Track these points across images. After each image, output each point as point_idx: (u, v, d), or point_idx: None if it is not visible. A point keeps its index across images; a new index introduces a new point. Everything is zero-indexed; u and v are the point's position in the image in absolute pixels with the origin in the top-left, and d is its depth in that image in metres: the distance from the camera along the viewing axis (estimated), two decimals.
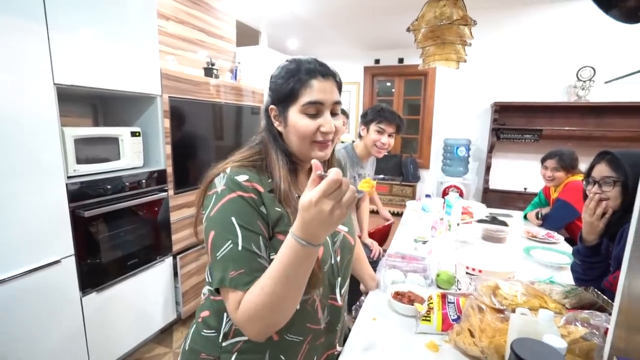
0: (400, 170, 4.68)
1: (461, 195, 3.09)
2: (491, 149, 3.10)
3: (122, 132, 1.88)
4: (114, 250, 1.81)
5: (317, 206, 0.53)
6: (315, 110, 0.70)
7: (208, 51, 2.67)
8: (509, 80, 3.06)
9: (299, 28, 4.18)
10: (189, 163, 2.26)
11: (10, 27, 1.30)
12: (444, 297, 1.00)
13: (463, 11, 1.49)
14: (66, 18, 1.50)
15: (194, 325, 0.81)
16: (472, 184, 3.21)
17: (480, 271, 1.08)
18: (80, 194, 1.61)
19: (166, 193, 2.07)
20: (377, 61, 5.38)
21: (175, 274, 2.20)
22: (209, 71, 2.48)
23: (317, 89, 0.70)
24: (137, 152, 1.96)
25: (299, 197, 0.71)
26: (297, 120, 0.71)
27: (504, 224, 2.09)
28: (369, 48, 5.30)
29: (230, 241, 0.64)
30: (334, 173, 0.52)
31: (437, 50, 2.16)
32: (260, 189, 0.69)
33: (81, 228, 1.62)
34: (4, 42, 1.29)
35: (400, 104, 5.41)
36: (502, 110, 3.05)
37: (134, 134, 1.93)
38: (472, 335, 0.87)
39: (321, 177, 0.54)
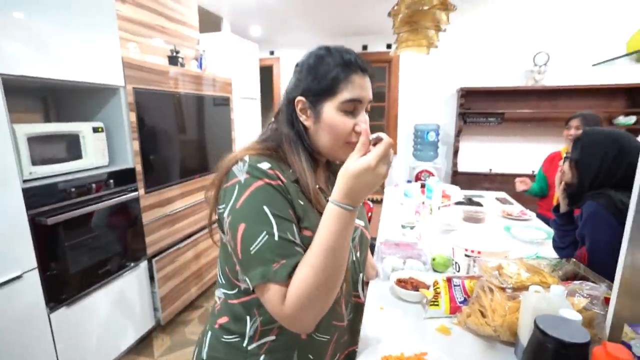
0: None
1: None
2: (458, 133, 3.22)
3: (82, 128, 1.70)
4: (82, 259, 1.65)
5: (375, 170, 0.56)
6: (353, 107, 0.66)
7: (170, 38, 2.48)
8: (473, 66, 3.18)
9: (262, 14, 4.02)
10: (159, 159, 2.10)
11: None
12: (449, 280, 1.02)
13: None
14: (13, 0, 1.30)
15: (210, 333, 0.74)
16: (442, 168, 3.32)
17: (479, 252, 1.11)
18: (39, 200, 1.43)
19: (136, 193, 1.91)
20: None
21: (152, 278, 2.06)
22: (173, 60, 2.31)
23: (358, 85, 0.65)
24: (101, 149, 1.78)
25: (320, 189, 0.71)
26: (334, 117, 0.65)
27: (479, 204, 2.19)
28: (333, 35, 5.25)
29: (265, 232, 0.58)
30: (386, 136, 0.56)
31: (410, 36, 2.17)
32: (283, 178, 0.63)
33: (43, 237, 1.45)
34: None
35: None
36: (468, 95, 3.17)
37: (96, 130, 1.76)
38: (483, 315, 0.89)
39: (376, 142, 0.57)
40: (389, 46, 5.25)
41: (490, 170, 3.32)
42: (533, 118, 3.14)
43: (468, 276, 1.02)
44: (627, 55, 0.94)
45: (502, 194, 2.44)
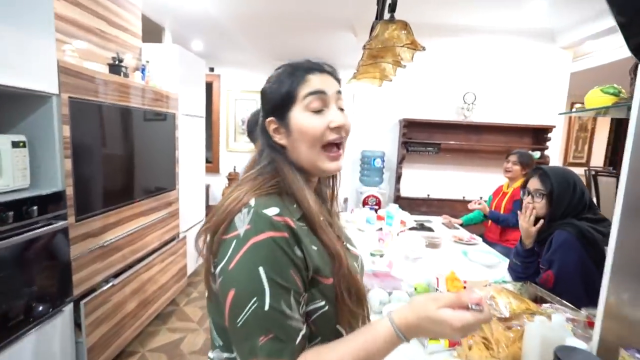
0: None
1: (379, 203, 3.32)
2: (401, 161, 3.43)
3: None
4: None
5: (453, 332, 0.52)
6: (320, 103, 0.62)
7: (109, 44, 2.20)
8: (414, 99, 3.47)
9: (207, 29, 3.86)
10: (94, 181, 1.80)
11: None
12: None
13: (412, 36, 1.61)
14: None
15: None
16: (387, 193, 3.49)
17: (465, 282, 1.15)
18: None
19: (65, 221, 1.58)
20: None
21: (78, 325, 1.70)
22: (115, 68, 2.04)
23: (316, 81, 0.62)
24: (21, 168, 1.45)
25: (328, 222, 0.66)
26: (302, 120, 0.61)
27: (431, 229, 2.32)
28: (276, 58, 5.28)
29: (255, 300, 0.52)
30: (487, 313, 0.52)
31: (369, 69, 2.29)
32: (292, 224, 0.56)
33: None
34: None
35: None
36: (409, 126, 3.43)
37: (16, 145, 1.43)
38: (487, 347, 0.91)
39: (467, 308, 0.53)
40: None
41: (428, 195, 3.59)
42: (463, 149, 3.52)
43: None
44: (586, 110, 1.10)
45: (446, 218, 2.63)
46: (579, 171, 4.61)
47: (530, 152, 2.69)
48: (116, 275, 1.98)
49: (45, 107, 1.51)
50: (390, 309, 1.12)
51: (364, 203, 3.33)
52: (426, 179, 3.59)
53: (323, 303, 0.58)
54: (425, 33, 3.38)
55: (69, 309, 1.66)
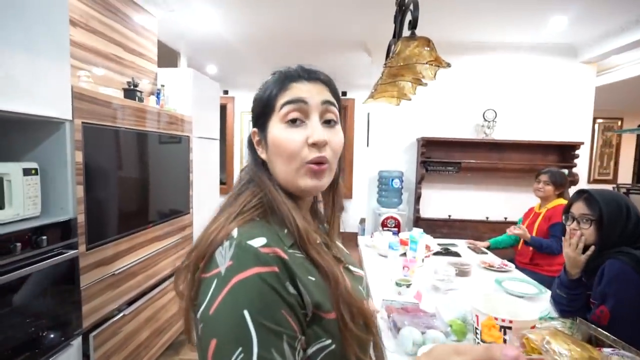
0: None
1: (398, 225, 3.19)
2: (420, 180, 3.31)
3: (9, 170, 1.33)
4: None
5: None
6: (298, 114, 0.54)
7: (126, 69, 2.21)
8: (432, 117, 3.38)
9: (221, 53, 3.92)
10: (107, 208, 1.75)
11: None
12: None
13: (436, 52, 1.54)
14: None
15: None
16: (406, 214, 3.35)
17: (511, 322, 1.02)
18: None
19: (75, 251, 1.52)
20: None
21: (87, 357, 1.61)
22: (130, 93, 2.03)
23: (297, 89, 0.55)
24: (32, 197, 1.41)
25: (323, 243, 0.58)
26: (277, 133, 0.54)
27: (457, 254, 2.17)
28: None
29: (240, 350, 0.42)
30: None
31: (387, 87, 2.22)
32: (283, 254, 0.48)
33: None
34: None
35: None
36: (428, 145, 3.32)
37: (28, 172, 1.39)
38: None
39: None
40: (344, 93, 5.47)
41: (449, 216, 3.44)
42: (484, 168, 3.38)
43: (527, 358, 0.90)
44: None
45: (472, 243, 2.48)
46: (607, 188, 4.42)
47: (559, 170, 2.55)
48: (129, 303, 1.90)
49: (58, 134, 1.48)
50: (425, 350, 1.00)
51: (383, 225, 3.20)
52: (447, 199, 3.45)
53: (330, 342, 0.49)
54: (444, 50, 3.31)
55: (77, 342, 1.57)
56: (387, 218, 3.19)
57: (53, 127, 1.48)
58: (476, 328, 1.10)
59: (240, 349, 0.42)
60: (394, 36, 2.03)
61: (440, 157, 3.33)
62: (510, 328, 1.02)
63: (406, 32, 1.65)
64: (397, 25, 1.95)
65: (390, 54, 1.63)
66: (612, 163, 6.01)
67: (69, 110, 1.48)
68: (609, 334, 1.04)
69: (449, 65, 1.51)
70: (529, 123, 3.36)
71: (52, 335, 1.44)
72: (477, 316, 1.09)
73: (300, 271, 0.49)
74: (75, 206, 1.52)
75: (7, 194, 1.33)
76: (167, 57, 3.43)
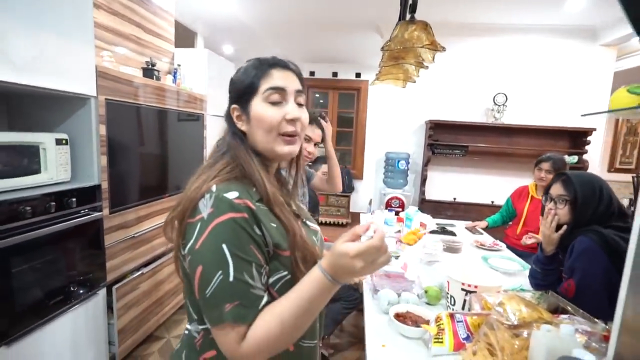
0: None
1: (402, 206, 3.28)
2: (427, 163, 3.36)
3: (44, 140, 1.51)
4: (31, 288, 1.42)
5: (352, 260, 0.55)
6: (278, 97, 0.68)
7: (145, 49, 2.36)
8: (441, 100, 3.39)
9: (237, 33, 4.01)
10: (127, 177, 1.94)
11: None
12: (452, 316, 1.02)
13: (432, 36, 1.59)
14: None
15: None
16: (411, 195, 3.43)
17: (476, 287, 1.13)
18: None
19: (100, 213, 1.72)
20: (312, 73, 5.47)
21: (110, 308, 1.84)
22: (149, 72, 2.18)
23: (277, 77, 0.69)
24: (63, 164, 1.60)
25: (285, 202, 0.72)
26: (261, 110, 0.68)
27: (453, 233, 2.27)
28: (304, 60, 5.36)
29: (220, 273, 0.58)
30: (377, 238, 0.55)
31: (392, 70, 2.28)
32: (252, 205, 0.62)
33: None
34: None
35: (335, 116, 5.58)
36: (436, 128, 3.35)
37: (60, 142, 1.58)
38: (491, 353, 0.90)
39: (358, 237, 0.57)
40: (358, 75, 5.47)
41: (455, 199, 3.49)
42: (492, 152, 3.39)
43: (472, 313, 1.03)
44: (610, 111, 1.04)
45: (469, 223, 2.56)
46: (627, 178, 4.29)
47: (565, 156, 2.55)
48: (145, 264, 2.11)
49: (85, 108, 1.66)
50: (398, 310, 1.14)
51: (387, 205, 3.31)
52: (452, 182, 3.50)
53: (285, 273, 0.64)
54: (454, 32, 3.32)
55: (102, 292, 1.80)
56: (391, 198, 3.29)
57: (80, 103, 1.65)
58: (447, 293, 1.23)
59: (220, 271, 0.58)
60: (399, 19, 2.07)
61: (448, 140, 3.36)
62: (475, 292, 1.13)
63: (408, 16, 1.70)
64: (402, 8, 1.99)
65: (389, 38, 1.69)
66: (635, 152, 5.80)
67: (93, 87, 1.65)
68: (572, 304, 1.13)
69: (443, 49, 1.57)
70: (541, 108, 3.32)
71: (81, 285, 1.67)
72: (448, 282, 1.21)
73: (264, 219, 0.64)
74: (99, 174, 1.71)
75: (43, 161, 1.52)
76: (185, 37, 3.56)
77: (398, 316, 1.12)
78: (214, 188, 0.62)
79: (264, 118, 0.67)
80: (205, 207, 0.60)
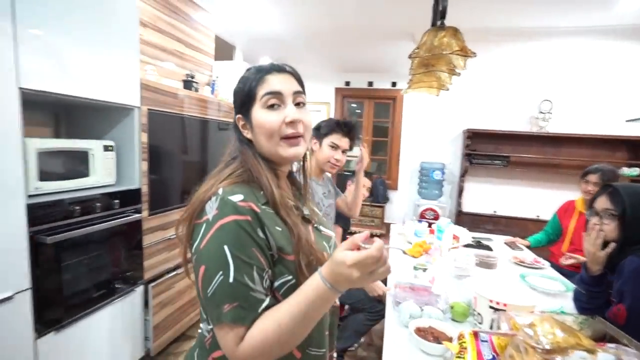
0: (370, 191, 4.74)
1: (437, 217, 3.16)
2: (464, 173, 3.23)
3: (93, 146, 1.66)
4: (77, 281, 1.55)
5: (349, 269, 0.54)
6: (276, 100, 0.69)
7: (186, 63, 2.51)
8: (479, 108, 3.25)
9: (273, 46, 4.15)
10: (165, 181, 2.06)
11: None
12: (476, 335, 0.96)
13: (462, 42, 1.54)
14: (38, 15, 1.30)
15: None
16: (447, 207, 3.30)
17: (505, 305, 1.06)
18: (42, 217, 1.37)
19: (140, 214, 1.85)
20: (347, 83, 5.50)
21: (146, 304, 1.95)
22: (188, 84, 2.32)
23: (273, 81, 0.70)
24: (109, 168, 1.74)
25: (294, 206, 0.73)
26: (260, 116, 0.69)
27: (489, 248, 2.14)
28: (340, 70, 5.41)
29: (220, 273, 0.59)
30: (374, 248, 0.54)
31: (424, 77, 2.23)
32: (256, 208, 0.63)
33: (41, 257, 1.37)
34: None
35: (370, 126, 5.54)
36: (474, 137, 3.22)
37: (107, 148, 1.72)
38: None
39: (358, 247, 0.57)
40: (393, 84, 5.40)
41: (495, 212, 3.31)
42: (537, 163, 3.18)
43: (497, 332, 0.96)
44: None
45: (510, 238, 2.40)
46: None
47: (624, 168, 2.32)
48: (178, 267, 2.22)
49: (129, 118, 1.80)
50: (420, 324, 1.09)
51: (421, 216, 3.21)
52: (492, 194, 3.32)
53: (290, 277, 0.65)
54: (495, 38, 3.18)
55: (140, 289, 1.91)
56: (425, 209, 3.19)
57: (125, 112, 1.80)
58: (474, 310, 1.16)
59: (221, 272, 0.59)
60: (432, 25, 2.03)
61: (487, 150, 3.21)
62: (504, 311, 1.05)
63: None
64: (434, 15, 1.95)
65: (417, 45, 1.66)
66: None
67: (137, 98, 1.79)
68: (620, 331, 1.02)
69: (474, 54, 1.51)
70: (591, 115, 3.07)
71: (122, 281, 1.79)
72: (475, 298, 1.14)
73: (269, 222, 0.64)
74: (140, 178, 1.84)
75: (91, 165, 1.66)
76: (224, 50, 3.75)
77: (419, 331, 1.08)
78: (220, 191, 0.64)
79: (264, 124, 0.69)
80: (211, 209, 0.62)
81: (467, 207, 3.31)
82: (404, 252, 1.70)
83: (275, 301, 0.62)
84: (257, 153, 0.72)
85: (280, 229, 0.66)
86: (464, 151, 3.23)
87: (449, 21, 1.70)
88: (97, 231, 1.60)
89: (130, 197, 1.80)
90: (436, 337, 1.05)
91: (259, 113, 0.69)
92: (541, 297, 1.47)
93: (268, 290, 0.63)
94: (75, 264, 1.54)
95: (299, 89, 0.72)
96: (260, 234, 0.62)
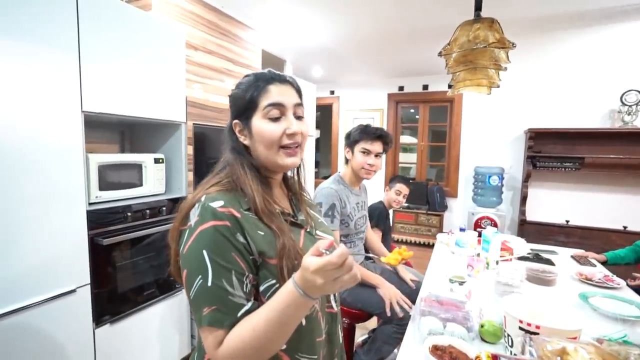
0: (426, 198, 4.49)
1: (495, 226, 2.88)
2: (527, 178, 2.90)
3: (145, 159, 1.87)
4: (130, 279, 1.75)
5: (312, 275, 0.54)
6: (278, 112, 0.71)
7: (234, 79, 2.70)
8: (544, 105, 2.91)
9: (323, 57, 4.23)
10: None
11: (45, 59, 1.33)
12: (495, 358, 0.85)
13: (500, 34, 1.41)
14: (98, 49, 1.52)
15: None
16: (507, 215, 2.99)
17: (537, 327, 0.91)
18: (100, 221, 1.58)
19: None
20: (401, 88, 5.35)
21: None
22: None
23: (275, 92, 0.71)
24: (159, 178, 1.94)
25: (281, 211, 0.73)
26: (261, 126, 0.71)
27: (550, 262, 1.88)
28: (392, 75, 5.30)
29: (200, 277, 0.61)
30: (335, 255, 0.53)
31: (467, 75, 2.07)
32: (237, 213, 0.65)
33: (98, 256, 1.57)
34: (37, 71, 1.31)
35: (425, 130, 5.30)
36: (538, 137, 2.88)
37: (157, 161, 1.92)
38: None
39: (321, 253, 0.56)
40: (450, 86, 5.12)
41: (567, 222, 2.90)
42: (620, 164, 2.71)
43: (519, 358, 0.83)
44: None
45: (580, 251, 2.08)
46: None
47: None
48: None
49: (177, 132, 1.99)
50: (439, 342, 1.01)
51: (476, 225, 2.95)
52: (563, 202, 2.91)
53: (274, 281, 0.66)
54: (563, 26, 2.81)
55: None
56: (481, 218, 2.93)
57: (174, 128, 1.99)
58: (504, 331, 1.02)
59: (200, 276, 0.62)
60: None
61: (555, 152, 2.84)
62: (537, 334, 0.91)
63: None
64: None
65: (448, 41, 1.56)
66: None
67: (183, 114, 1.97)
68: None
69: (514, 45, 1.37)
70: None
71: (169, 280, 1.96)
72: (505, 317, 1.01)
73: (250, 227, 0.66)
74: (186, 187, 2.01)
75: (144, 176, 1.87)
76: (275, 64, 3.93)
77: (436, 349, 0.99)
78: (203, 198, 0.67)
79: (265, 134, 0.71)
80: (193, 215, 0.66)
81: (532, 216, 2.95)
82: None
83: (257, 304, 0.63)
84: (248, 162, 0.73)
85: (262, 234, 0.67)
86: (526, 153, 2.91)
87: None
88: (147, 235, 1.79)
89: (176, 205, 1.98)
90: (454, 357, 0.95)
91: (260, 122, 0.71)
92: (603, 321, 1.24)
93: (250, 295, 0.64)
94: (129, 264, 1.74)
95: (299, 100, 0.75)
96: (241, 239, 0.64)
